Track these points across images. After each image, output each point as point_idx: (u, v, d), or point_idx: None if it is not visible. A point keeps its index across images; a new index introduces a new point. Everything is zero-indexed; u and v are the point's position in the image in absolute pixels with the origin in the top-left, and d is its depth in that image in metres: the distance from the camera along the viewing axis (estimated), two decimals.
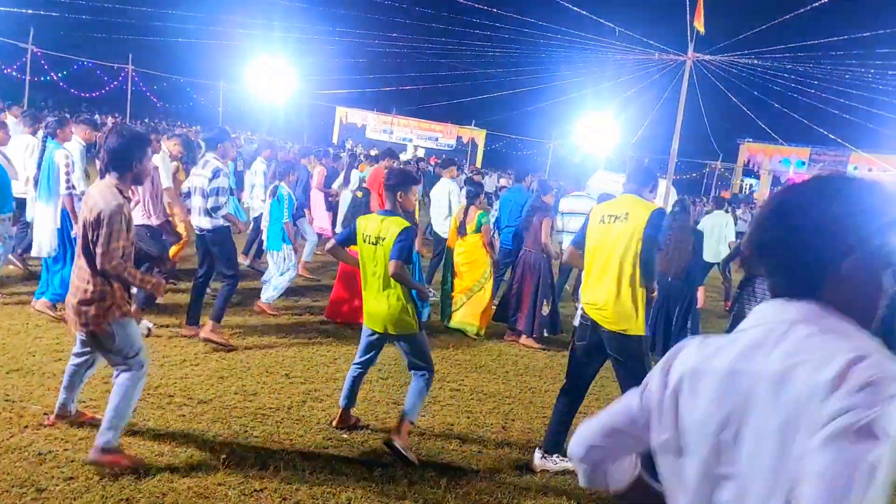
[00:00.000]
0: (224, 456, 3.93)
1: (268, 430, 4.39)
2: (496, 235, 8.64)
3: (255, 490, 3.64)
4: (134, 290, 5.12)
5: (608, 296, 3.95)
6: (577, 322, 4.29)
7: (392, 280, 4.06)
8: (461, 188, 9.48)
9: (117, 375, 3.70)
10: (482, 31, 19.19)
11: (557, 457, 4.25)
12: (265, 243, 7.55)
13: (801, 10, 14.08)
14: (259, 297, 7.29)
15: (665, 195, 14.83)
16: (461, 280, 7.40)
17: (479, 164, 25.20)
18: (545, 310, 7.26)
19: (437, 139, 38.00)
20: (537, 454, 4.32)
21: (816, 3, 13.54)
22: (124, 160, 3.64)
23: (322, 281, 9.19)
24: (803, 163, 33.46)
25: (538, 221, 7.24)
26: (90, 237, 3.52)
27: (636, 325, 3.95)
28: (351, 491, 3.74)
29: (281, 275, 7.18)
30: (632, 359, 3.97)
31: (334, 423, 4.52)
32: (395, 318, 4.16)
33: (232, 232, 6.09)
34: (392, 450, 4.10)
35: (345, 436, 4.45)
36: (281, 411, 4.72)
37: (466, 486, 3.97)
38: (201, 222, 5.87)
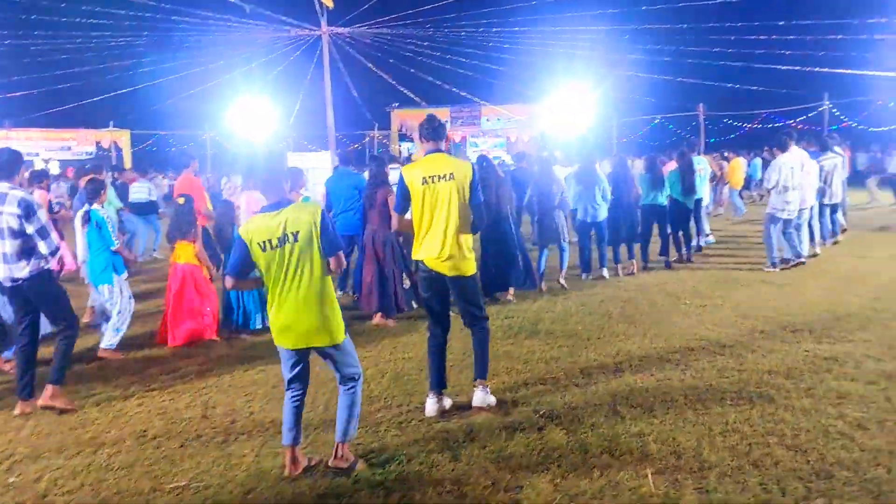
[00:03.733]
0: None
1: None
2: None
3: None
4: None
5: (445, 248, 4.31)
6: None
7: (321, 282, 3.49)
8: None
9: None
10: (99, 20, 17.08)
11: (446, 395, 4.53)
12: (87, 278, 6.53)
13: None
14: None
15: (331, 167, 15.05)
16: None
17: (127, 166, 22.55)
18: (406, 283, 7.12)
19: (70, 148, 33.08)
20: (430, 400, 4.41)
21: None
22: None
23: None
24: (447, 121, 37.00)
25: (382, 197, 6.77)
26: None
27: (469, 267, 4.41)
28: None
29: (119, 312, 6.10)
30: (471, 293, 4.50)
31: (286, 472, 3.63)
32: (329, 326, 3.52)
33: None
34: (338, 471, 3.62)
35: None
36: None
37: (172, 482, 3.59)
38: (13, 271, 4.68)
